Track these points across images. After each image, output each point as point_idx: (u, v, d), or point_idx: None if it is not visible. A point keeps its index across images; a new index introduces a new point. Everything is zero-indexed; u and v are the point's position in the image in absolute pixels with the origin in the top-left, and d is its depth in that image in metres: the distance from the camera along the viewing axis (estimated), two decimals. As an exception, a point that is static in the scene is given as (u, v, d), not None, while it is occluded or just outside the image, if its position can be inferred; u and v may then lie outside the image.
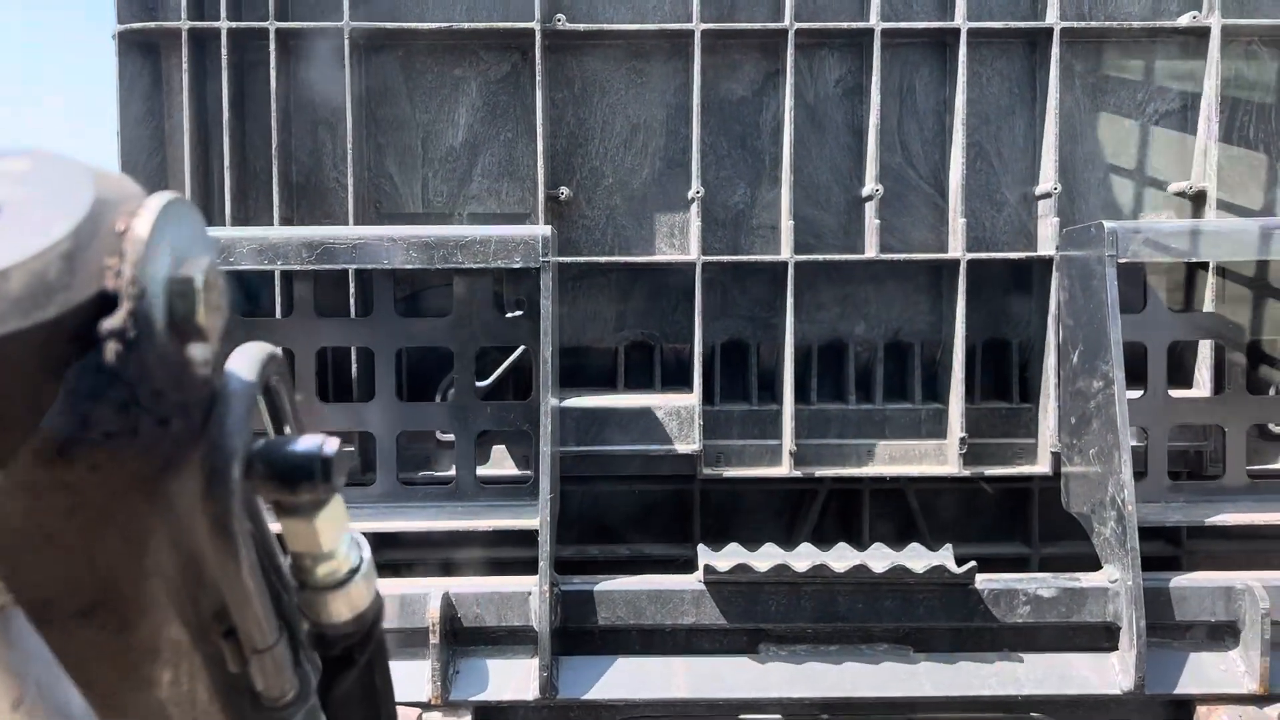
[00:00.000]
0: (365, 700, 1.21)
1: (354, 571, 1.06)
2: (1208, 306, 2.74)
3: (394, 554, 2.75)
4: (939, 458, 2.84)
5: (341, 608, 1.09)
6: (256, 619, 0.95)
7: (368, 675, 1.19)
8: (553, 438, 2.34)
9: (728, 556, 2.35)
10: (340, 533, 1.02)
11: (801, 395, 2.85)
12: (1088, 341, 2.46)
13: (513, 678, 2.30)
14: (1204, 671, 2.30)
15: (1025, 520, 3.03)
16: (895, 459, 2.85)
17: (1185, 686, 2.28)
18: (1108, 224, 2.37)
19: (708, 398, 2.82)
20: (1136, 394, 2.59)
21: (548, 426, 2.34)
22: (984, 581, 2.34)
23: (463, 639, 2.33)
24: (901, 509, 3.03)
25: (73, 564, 0.89)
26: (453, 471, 2.68)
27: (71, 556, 0.88)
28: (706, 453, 2.78)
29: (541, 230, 2.35)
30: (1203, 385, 2.79)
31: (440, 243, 2.33)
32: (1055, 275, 2.73)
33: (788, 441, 2.77)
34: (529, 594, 2.31)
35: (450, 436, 2.75)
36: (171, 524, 0.91)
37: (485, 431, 2.78)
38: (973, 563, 2.29)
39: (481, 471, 2.80)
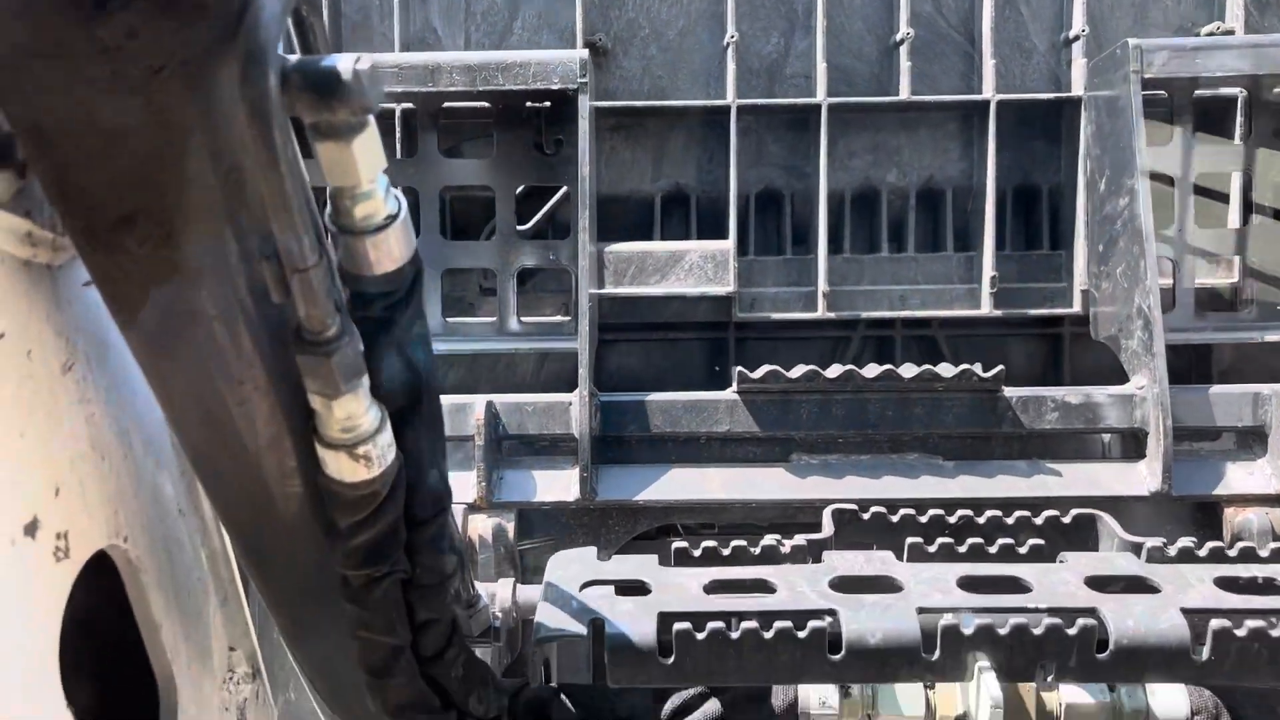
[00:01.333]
0: (407, 371, 1.21)
1: (392, 218, 1.06)
2: (1238, 138, 2.67)
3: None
4: (971, 301, 2.81)
5: (381, 256, 1.09)
6: (295, 228, 0.96)
7: (407, 342, 1.20)
8: (592, 241, 2.34)
9: (761, 370, 2.34)
10: (377, 166, 1.03)
11: (835, 245, 2.83)
12: (1114, 164, 2.42)
13: (554, 483, 2.32)
14: (1231, 476, 2.28)
15: (1057, 368, 2.98)
16: (928, 303, 2.82)
17: (1212, 489, 2.25)
18: (1132, 41, 2.32)
19: (742, 249, 2.81)
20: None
21: (585, 243, 2.34)
22: (1012, 390, 2.32)
23: (507, 449, 2.35)
24: (934, 357, 2.99)
25: (115, 156, 0.90)
26: (494, 318, 2.69)
27: (114, 146, 0.89)
28: (741, 299, 2.77)
29: (579, 53, 2.35)
30: (1233, 220, 2.73)
31: (482, 65, 2.34)
32: (1084, 114, 2.67)
33: (822, 284, 2.75)
34: (569, 404, 2.32)
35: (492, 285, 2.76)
36: (211, 123, 0.91)
37: (528, 278, 2.80)
38: (1000, 367, 2.27)
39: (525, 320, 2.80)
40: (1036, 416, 2.31)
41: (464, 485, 2.27)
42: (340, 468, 1.12)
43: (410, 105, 2.63)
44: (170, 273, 0.95)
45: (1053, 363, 2.99)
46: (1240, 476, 2.26)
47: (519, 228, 2.74)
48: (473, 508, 2.26)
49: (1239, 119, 2.71)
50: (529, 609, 2.02)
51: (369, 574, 1.19)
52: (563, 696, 1.42)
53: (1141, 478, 2.26)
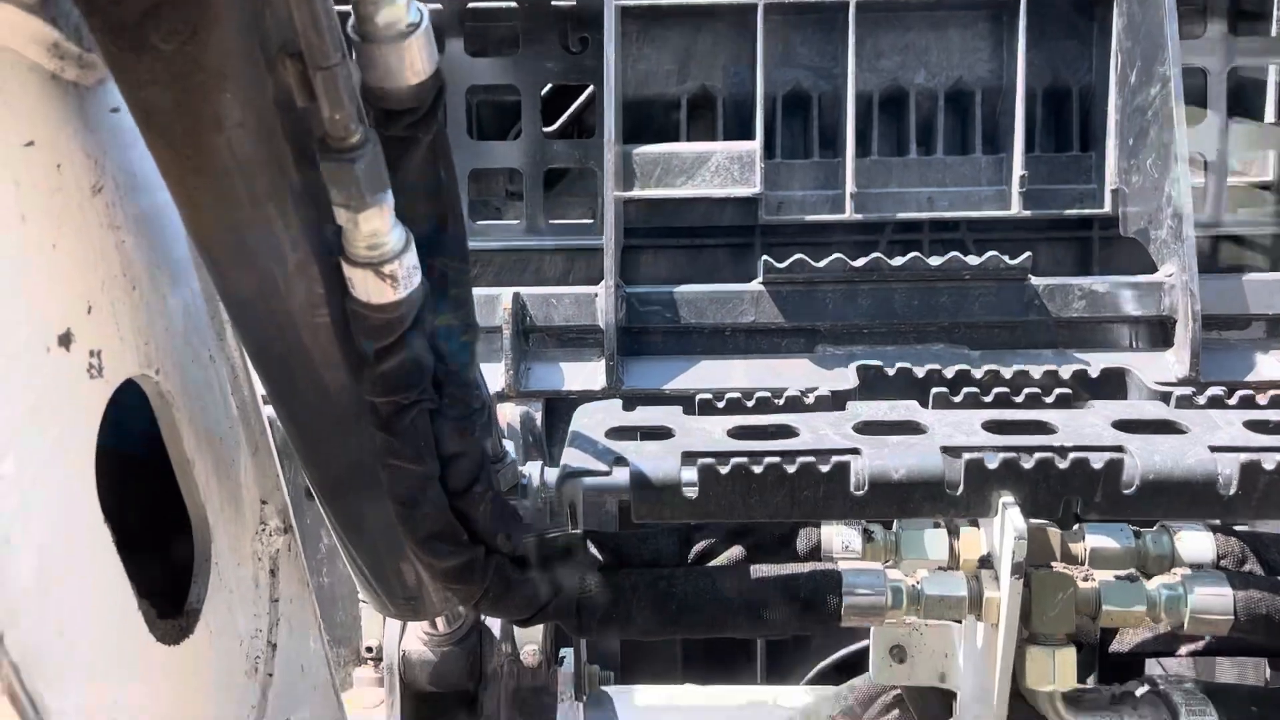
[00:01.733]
0: (431, 190, 1.20)
1: (414, 26, 1.05)
2: (1275, 31, 2.61)
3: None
4: (1000, 203, 2.76)
5: (404, 67, 1.08)
6: (318, 22, 0.96)
7: (431, 164, 1.19)
8: (617, 141, 2.33)
9: (787, 261, 2.33)
10: (399, -36, 1.01)
11: (862, 148, 2.79)
12: (1145, 54, 2.38)
13: (581, 373, 2.33)
14: (1261, 364, 2.25)
15: (1085, 273, 2.94)
16: (955, 205, 2.78)
17: (1241, 376, 2.22)
18: (1167, -76, 2.27)
19: (769, 152, 2.77)
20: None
21: (611, 139, 2.33)
22: (1039, 280, 2.29)
23: (534, 341, 2.36)
24: (961, 261, 2.96)
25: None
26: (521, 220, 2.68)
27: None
28: (768, 202, 2.74)
29: (605, -61, 2.32)
30: (1270, 114, 2.67)
31: (507, -47, 2.31)
32: (1115, 8, 2.61)
33: (849, 185, 2.72)
34: (595, 295, 2.32)
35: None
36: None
37: (554, 182, 2.79)
38: (1027, 254, 2.24)
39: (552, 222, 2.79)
40: (1063, 305, 2.29)
41: (492, 375, 2.28)
42: (367, 288, 1.12)
43: (437, 4, 2.61)
44: (195, 72, 0.95)
45: (1081, 268, 2.96)
46: (1270, 364, 2.23)
47: (545, 129, 2.72)
48: (501, 396, 2.27)
49: (1276, 12, 2.65)
50: (556, 490, 2.04)
51: (396, 401, 1.19)
52: (589, 543, 1.42)
53: (1169, 365, 2.24)
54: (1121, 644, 1.50)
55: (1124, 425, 1.34)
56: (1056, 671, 1.28)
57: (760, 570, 1.35)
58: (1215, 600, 1.27)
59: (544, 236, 2.59)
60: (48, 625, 1.00)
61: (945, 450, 1.28)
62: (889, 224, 2.81)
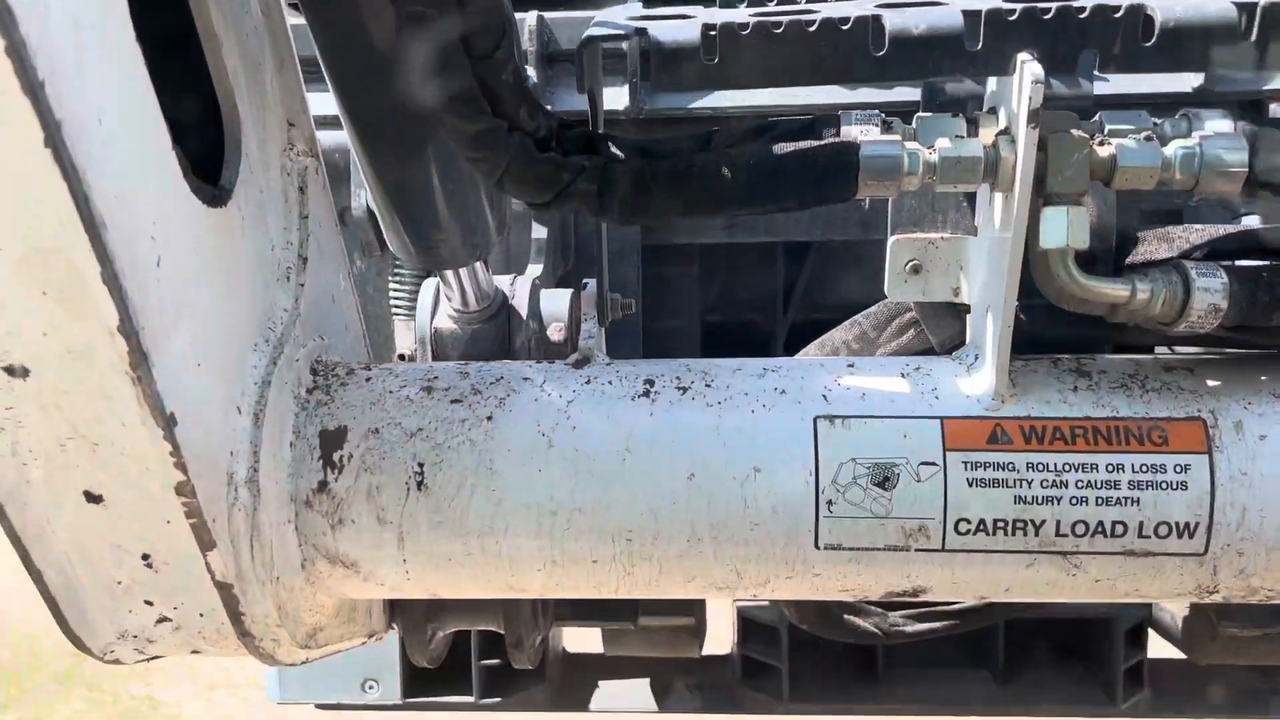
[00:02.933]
0: None
1: None
2: None
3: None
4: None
5: None
6: None
7: None
8: None
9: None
10: None
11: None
12: None
13: (604, 96, 2.26)
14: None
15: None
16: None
17: (1256, 86, 2.14)
18: None
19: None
20: None
21: None
22: None
23: (559, 69, 2.29)
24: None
25: None
26: None
27: None
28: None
29: None
30: None
31: None
32: None
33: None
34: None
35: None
36: None
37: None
38: None
39: None
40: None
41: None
42: None
43: None
44: None
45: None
46: (1286, 74, 2.15)
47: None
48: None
49: None
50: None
51: (417, -65, 1.14)
52: (610, 143, 1.38)
53: (1183, 76, 2.16)
54: (1136, 256, 1.46)
55: (1146, 0, 1.29)
56: (1070, 228, 1.24)
57: (780, 147, 1.30)
58: (1230, 154, 1.22)
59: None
60: (86, 105, 0.96)
61: (966, 13, 1.24)
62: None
